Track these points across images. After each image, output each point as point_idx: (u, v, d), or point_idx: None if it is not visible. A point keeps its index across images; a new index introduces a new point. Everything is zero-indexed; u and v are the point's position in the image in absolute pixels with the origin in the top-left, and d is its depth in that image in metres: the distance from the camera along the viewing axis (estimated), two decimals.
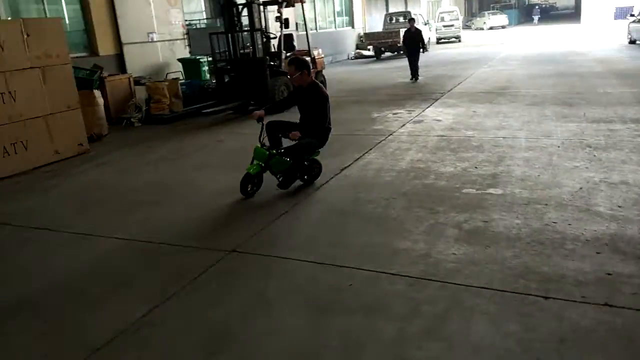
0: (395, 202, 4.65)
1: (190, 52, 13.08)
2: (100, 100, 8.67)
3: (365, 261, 3.57)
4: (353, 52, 23.89)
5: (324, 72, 11.66)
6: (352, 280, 3.35)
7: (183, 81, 11.09)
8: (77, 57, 9.66)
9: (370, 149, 6.53)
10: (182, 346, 2.82)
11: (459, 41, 28.13)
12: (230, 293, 3.32)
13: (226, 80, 10.15)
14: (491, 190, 4.74)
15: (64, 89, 7.26)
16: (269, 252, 3.82)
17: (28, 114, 6.72)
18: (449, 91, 10.91)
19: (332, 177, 5.48)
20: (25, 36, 6.70)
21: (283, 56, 10.17)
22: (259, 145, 4.98)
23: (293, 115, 5.56)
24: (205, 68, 11.95)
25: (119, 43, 11.21)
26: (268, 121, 5.11)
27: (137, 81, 10.40)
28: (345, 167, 5.80)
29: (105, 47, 10.90)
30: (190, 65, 12.00)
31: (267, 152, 4.92)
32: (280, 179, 5.05)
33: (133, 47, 11.49)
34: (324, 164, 5.98)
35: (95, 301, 3.34)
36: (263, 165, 4.93)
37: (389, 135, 7.23)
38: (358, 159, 6.13)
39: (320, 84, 5.25)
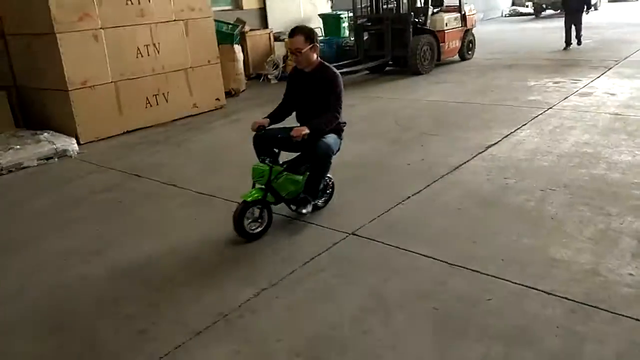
0: (554, 195, 3.81)
1: (332, 7, 12.65)
2: (240, 56, 8.66)
3: (511, 269, 2.90)
4: (508, 9, 21.59)
5: (473, 30, 10.47)
6: (491, 294, 2.72)
7: (321, 38, 10.72)
8: (222, 10, 9.76)
9: (524, 124, 5.57)
10: (282, 344, 2.47)
11: None
12: (344, 286, 2.90)
13: (365, 38, 9.55)
14: None
15: (205, 42, 7.30)
16: (392, 241, 3.31)
17: (170, 67, 6.86)
18: (625, 58, 9.15)
19: (474, 156, 4.72)
20: None
21: (430, 12, 9.25)
22: (259, 163, 3.52)
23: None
24: (346, 24, 11.44)
25: None
26: (254, 135, 3.64)
27: (277, 37, 10.26)
28: (491, 145, 4.98)
29: (249, 0, 10.89)
30: (330, 21, 11.57)
31: (269, 167, 3.41)
32: (294, 208, 3.62)
33: (276, 0, 11.35)
34: (463, 138, 5.25)
35: (204, 275, 3.14)
36: (267, 186, 3.45)
37: (548, 109, 6.14)
38: (508, 135, 5.25)
39: (329, 65, 3.68)
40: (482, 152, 4.82)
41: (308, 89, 3.66)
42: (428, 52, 9.04)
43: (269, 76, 9.53)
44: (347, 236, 3.43)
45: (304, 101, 3.71)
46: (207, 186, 4.54)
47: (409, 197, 3.96)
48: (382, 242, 3.31)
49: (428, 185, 4.14)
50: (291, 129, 3.47)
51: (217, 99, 7.58)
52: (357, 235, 3.44)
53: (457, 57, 10.13)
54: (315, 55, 3.58)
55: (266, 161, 3.47)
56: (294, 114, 3.83)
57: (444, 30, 9.37)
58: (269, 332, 2.57)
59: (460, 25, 9.87)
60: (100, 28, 6.10)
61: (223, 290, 2.95)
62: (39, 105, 6.35)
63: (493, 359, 2.28)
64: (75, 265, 3.37)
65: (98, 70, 6.13)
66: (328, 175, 3.75)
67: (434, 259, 3.07)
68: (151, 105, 6.72)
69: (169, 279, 3.12)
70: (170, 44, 6.82)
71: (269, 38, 10.15)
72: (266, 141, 3.62)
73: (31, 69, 6.26)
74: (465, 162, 4.58)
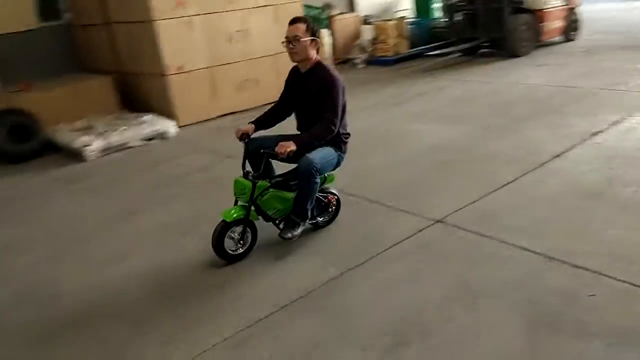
0: None
1: None
2: (327, 40, 8.66)
3: (616, 266, 2.66)
4: None
5: (578, 9, 9.65)
6: (593, 289, 2.51)
7: (411, 20, 10.45)
8: None
9: (636, 111, 5.06)
10: (365, 324, 2.46)
11: None
12: (429, 272, 2.82)
13: (458, 18, 9.16)
14: None
15: None
16: (482, 230, 3.16)
17: (260, 52, 7.01)
18: None
19: (576, 144, 4.37)
20: None
21: None
22: (242, 176, 3.14)
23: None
24: (437, 5, 11.03)
25: None
26: (247, 140, 3.22)
27: (365, 21, 10.14)
28: (597, 132, 4.58)
29: None
30: (421, 1, 11.21)
31: (252, 182, 3.04)
32: (281, 225, 3.22)
33: None
34: (564, 124, 4.88)
35: (290, 252, 3.18)
36: (248, 205, 3.08)
37: None
38: (617, 122, 4.79)
39: (328, 65, 3.22)
40: (586, 139, 4.44)
41: (303, 92, 3.19)
42: (526, 32, 8.48)
43: (356, 61, 9.46)
44: (433, 223, 3.32)
45: (300, 106, 3.28)
46: None
47: (502, 185, 3.75)
48: (472, 231, 3.17)
49: (525, 174, 3.90)
50: (280, 139, 3.04)
51: None
52: (444, 222, 3.32)
53: (559, 38, 9.42)
54: (314, 52, 3.12)
55: (249, 176, 3.08)
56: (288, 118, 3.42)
57: (544, 10, 8.73)
58: (354, 310, 2.57)
59: (563, 4, 9.16)
60: (195, 15, 6.36)
61: (308, 268, 2.99)
62: (141, 89, 6.78)
63: (591, 357, 2.11)
64: (173, 238, 3.58)
65: (193, 56, 6.41)
66: (332, 191, 3.38)
67: (529, 250, 2.89)
68: (242, 90, 6.93)
69: (255, 254, 3.20)
70: (259, 30, 6.96)
71: (357, 22, 10.05)
72: (250, 153, 3.20)
73: (133, 55, 6.69)
74: (566, 150, 4.25)
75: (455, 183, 3.92)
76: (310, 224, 3.29)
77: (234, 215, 3.05)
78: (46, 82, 6.59)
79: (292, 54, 3.10)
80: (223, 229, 3.04)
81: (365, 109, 6.48)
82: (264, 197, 3.09)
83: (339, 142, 3.21)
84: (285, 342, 2.41)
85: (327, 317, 2.54)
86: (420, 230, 3.25)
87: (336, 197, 3.42)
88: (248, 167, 3.19)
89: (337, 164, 3.27)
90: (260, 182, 3.06)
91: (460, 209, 3.46)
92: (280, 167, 3.33)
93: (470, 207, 3.48)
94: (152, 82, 6.53)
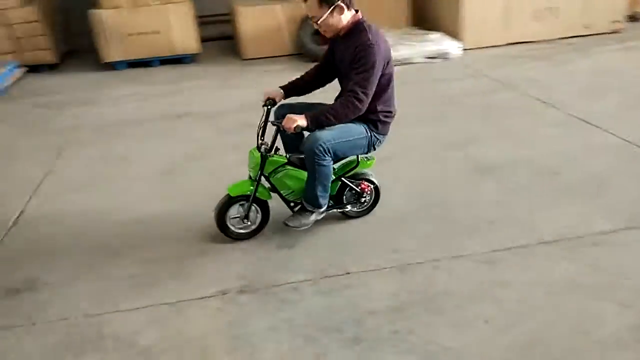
0: None
1: None
2: None
3: None
4: None
5: None
6: None
7: None
8: None
9: None
10: (629, 283, 2.24)
11: None
12: None
13: None
14: None
15: None
16: None
17: None
18: None
19: None
20: None
21: None
22: (256, 148, 2.66)
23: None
24: None
25: None
26: (270, 107, 2.69)
27: None
28: None
29: None
30: None
31: (262, 156, 2.59)
32: (294, 209, 2.75)
33: None
34: None
35: (566, 192, 3.04)
36: (258, 180, 2.63)
37: None
38: None
39: (368, 26, 2.50)
40: None
41: (340, 58, 2.65)
42: None
43: None
44: None
45: (339, 73, 2.72)
46: (581, 110, 4.22)
47: None
48: None
49: None
50: (304, 110, 2.56)
51: (616, 22, 6.61)
52: None
53: None
54: (342, 18, 2.50)
55: (262, 148, 2.60)
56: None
57: None
58: (620, 268, 2.38)
59: None
60: None
61: (579, 215, 2.81)
62: (433, 8, 6.84)
63: None
64: (438, 151, 3.71)
65: None
66: (368, 178, 2.81)
67: None
68: (539, 20, 6.39)
69: (540, 184, 3.14)
70: None
71: None
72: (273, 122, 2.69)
73: None
74: None
75: None
76: (339, 212, 2.84)
77: (239, 191, 2.67)
78: None
79: (322, 33, 2.60)
80: (225, 203, 2.68)
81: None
82: (278, 175, 2.66)
83: (374, 120, 2.63)
84: (538, 274, 2.37)
85: (589, 265, 2.40)
86: None
87: (372, 185, 2.84)
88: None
89: (371, 146, 2.68)
90: (273, 157, 2.63)
91: None
92: None
93: None
94: (445, 1, 6.51)
